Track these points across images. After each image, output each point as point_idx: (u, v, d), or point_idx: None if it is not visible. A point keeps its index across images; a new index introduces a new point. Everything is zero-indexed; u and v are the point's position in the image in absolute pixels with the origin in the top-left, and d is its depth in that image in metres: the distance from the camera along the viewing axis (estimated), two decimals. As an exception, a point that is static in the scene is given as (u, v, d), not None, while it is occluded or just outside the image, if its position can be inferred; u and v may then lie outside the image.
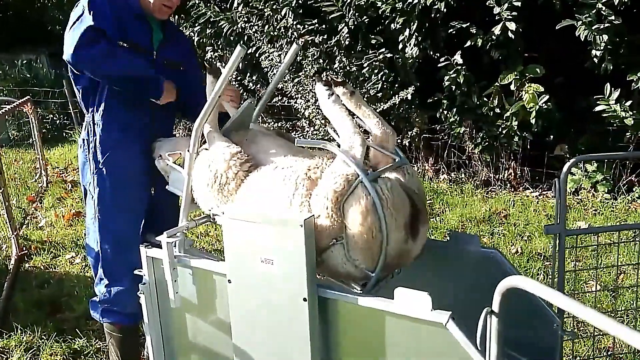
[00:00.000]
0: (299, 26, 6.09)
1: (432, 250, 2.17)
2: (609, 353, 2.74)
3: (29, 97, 6.88)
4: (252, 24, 6.32)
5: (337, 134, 1.99)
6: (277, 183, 1.97)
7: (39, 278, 3.91)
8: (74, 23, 2.18)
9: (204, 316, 2.23)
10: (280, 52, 6.30)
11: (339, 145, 1.94)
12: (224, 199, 2.12)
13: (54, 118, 9.60)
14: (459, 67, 5.50)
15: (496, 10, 5.09)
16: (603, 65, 5.10)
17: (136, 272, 2.36)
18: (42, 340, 3.12)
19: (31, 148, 7.35)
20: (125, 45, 2.31)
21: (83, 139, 2.49)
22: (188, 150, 2.21)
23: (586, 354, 2.68)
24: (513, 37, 5.15)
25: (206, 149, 2.24)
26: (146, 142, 2.47)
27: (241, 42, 6.51)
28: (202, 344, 2.28)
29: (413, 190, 1.97)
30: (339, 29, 5.95)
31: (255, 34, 6.28)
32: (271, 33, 6.26)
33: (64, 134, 9.24)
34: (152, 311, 2.34)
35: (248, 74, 6.64)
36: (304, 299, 1.84)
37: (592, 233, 2.39)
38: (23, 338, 3.13)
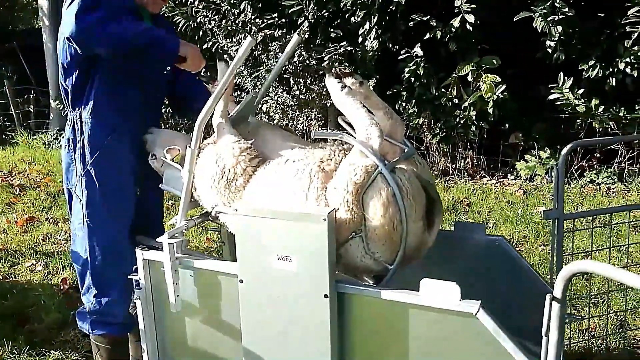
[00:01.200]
0: (257, 20, 5.98)
1: (437, 240, 2.17)
2: (592, 334, 2.85)
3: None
4: (210, 18, 6.15)
5: (350, 126, 1.94)
6: (290, 177, 1.91)
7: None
8: (71, 2, 2.02)
9: (206, 319, 2.14)
10: (238, 47, 6.17)
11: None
12: (231, 195, 2.03)
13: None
14: (419, 60, 5.57)
15: (457, 3, 5.18)
16: (556, 55, 5.31)
17: (130, 276, 2.24)
18: (14, 355, 2.90)
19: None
20: None
21: (68, 139, 2.32)
22: (189, 146, 2.11)
23: (568, 335, 2.77)
24: (471, 29, 5.27)
25: (211, 143, 2.14)
26: (134, 142, 2.34)
27: (196, 36, 6.33)
28: (203, 348, 2.19)
29: (427, 180, 1.96)
30: (298, 23, 5.89)
31: (214, 29, 6.11)
32: (229, 28, 6.12)
33: (4, 136, 8.69)
34: (149, 317, 2.22)
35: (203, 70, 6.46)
36: (325, 296, 1.79)
37: (588, 216, 2.45)
38: (-8, 354, 2.90)
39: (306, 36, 5.89)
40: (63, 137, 2.40)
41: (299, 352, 1.89)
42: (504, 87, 5.40)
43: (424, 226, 1.89)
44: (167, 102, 2.70)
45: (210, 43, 6.20)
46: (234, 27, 6.18)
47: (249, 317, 1.95)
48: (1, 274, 3.91)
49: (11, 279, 3.84)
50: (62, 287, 3.66)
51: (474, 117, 5.65)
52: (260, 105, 5.47)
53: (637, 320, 2.99)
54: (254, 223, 1.85)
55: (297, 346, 1.89)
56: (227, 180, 2.02)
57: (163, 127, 2.76)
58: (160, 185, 2.32)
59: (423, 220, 1.88)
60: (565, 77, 5.30)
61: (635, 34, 4.98)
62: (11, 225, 4.84)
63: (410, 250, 1.87)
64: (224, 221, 2.14)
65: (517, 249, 4.14)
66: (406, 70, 5.66)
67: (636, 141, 5.42)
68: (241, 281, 1.93)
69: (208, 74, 2.37)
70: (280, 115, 6.54)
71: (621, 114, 5.37)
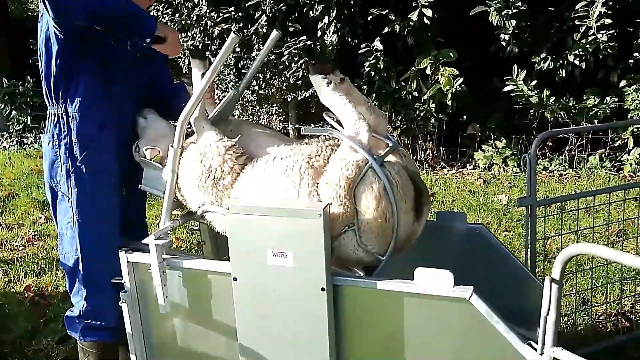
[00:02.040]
0: (213, 14, 5.90)
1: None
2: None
3: None
4: (162, 12, 6.01)
5: (337, 122, 1.96)
6: (279, 174, 1.91)
7: (-44, 300, 3.47)
8: None
9: (197, 319, 2.12)
10: (193, 41, 6.07)
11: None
12: (219, 194, 2.01)
13: None
14: (378, 54, 5.65)
15: (415, -4, 5.29)
16: (509, 48, 5.51)
17: (114, 280, 2.19)
18: (-17, 368, 2.78)
19: None
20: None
21: (53, 135, 2.21)
22: (172, 146, 2.07)
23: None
24: (429, 23, 5.38)
25: (193, 143, 2.11)
26: (121, 139, 2.27)
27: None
28: (193, 349, 2.17)
29: (413, 171, 2.00)
30: (256, 17, 5.85)
31: (167, 24, 5.98)
32: (183, 22, 6.00)
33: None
34: (135, 320, 2.18)
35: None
36: (322, 289, 1.82)
37: (559, 202, 2.57)
38: (-41, 369, 2.77)
39: (264, 30, 5.86)
40: (45, 133, 2.29)
41: (298, 345, 1.90)
42: (461, 79, 5.55)
43: (414, 216, 1.94)
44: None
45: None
46: (189, 22, 6.08)
47: (244, 314, 1.94)
48: (-43, 284, 3.73)
49: (-30, 289, 3.67)
50: (26, 295, 3.52)
51: (433, 109, 5.79)
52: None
53: (597, 297, 3.16)
54: (248, 220, 1.85)
55: (295, 340, 1.90)
56: (214, 179, 2.00)
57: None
58: (139, 186, 2.27)
59: (412, 210, 1.93)
60: (519, 70, 5.50)
61: (583, 28, 5.22)
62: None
63: (401, 240, 1.92)
64: (211, 220, 2.12)
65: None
66: (366, 64, 5.73)
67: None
68: (235, 279, 1.92)
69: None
70: (240, 111, 6.49)
71: (570, 104, 5.63)
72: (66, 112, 2.20)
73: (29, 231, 4.60)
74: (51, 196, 2.29)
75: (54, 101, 2.22)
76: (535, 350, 1.52)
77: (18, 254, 4.20)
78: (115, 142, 2.26)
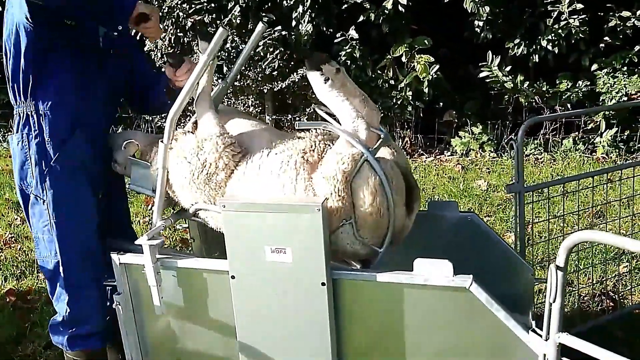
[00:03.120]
0: (185, 5, 5.78)
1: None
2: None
3: None
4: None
5: (334, 118, 1.95)
6: (275, 170, 1.89)
7: None
8: None
9: (194, 319, 2.10)
10: (164, 34, 5.95)
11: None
12: (212, 191, 1.98)
13: None
14: (354, 42, 5.64)
15: (389, -15, 5.28)
16: (483, 34, 5.56)
17: (106, 283, 2.14)
18: (-31, 377, 2.71)
19: None
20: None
21: (22, 135, 2.13)
22: (161, 141, 2.03)
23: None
24: (403, 10, 5.39)
25: (183, 134, 2.07)
26: (96, 136, 2.22)
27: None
28: (191, 349, 2.14)
29: (405, 167, 2.01)
30: (229, 8, 5.76)
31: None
32: (154, 14, 5.86)
33: None
34: (130, 323, 2.15)
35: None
36: (322, 284, 1.81)
37: (545, 187, 2.62)
38: (-57, 378, 2.69)
39: (238, 21, 5.78)
40: (13, 133, 2.19)
41: (299, 340, 1.90)
42: (437, 67, 5.58)
43: (405, 211, 1.95)
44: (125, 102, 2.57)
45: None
46: (160, 14, 5.95)
47: (243, 312, 1.93)
48: None
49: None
50: (8, 300, 3.42)
51: (409, 97, 5.82)
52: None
53: (581, 279, 3.24)
54: (244, 218, 1.83)
55: (296, 335, 1.90)
56: (208, 174, 1.97)
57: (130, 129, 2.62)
58: (128, 186, 2.23)
59: (404, 205, 1.94)
60: (494, 56, 5.56)
61: (555, 13, 5.30)
62: None
63: (395, 234, 1.93)
64: (205, 217, 2.09)
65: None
66: (342, 53, 5.72)
67: (558, 113, 5.79)
68: (233, 277, 1.90)
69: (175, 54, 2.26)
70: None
71: (544, 89, 5.72)
72: (37, 109, 2.12)
73: (5, 233, 4.46)
74: (22, 199, 2.21)
75: (23, 98, 2.13)
76: (540, 336, 1.54)
77: (-5, 258, 4.09)
78: (90, 140, 2.20)
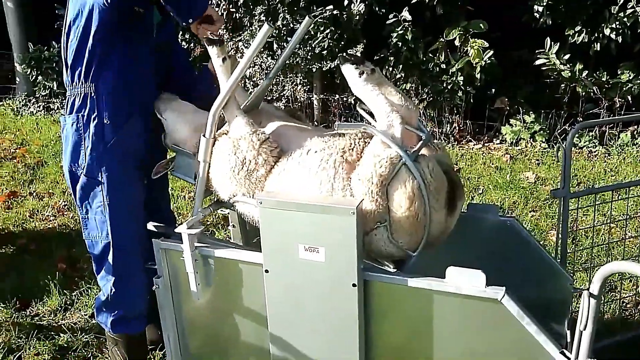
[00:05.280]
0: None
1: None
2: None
3: None
4: None
5: (369, 114, 1.94)
6: (314, 168, 1.91)
7: (-7, 270, 3.58)
8: None
9: (228, 306, 2.16)
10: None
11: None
12: (252, 185, 2.02)
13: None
14: (407, 24, 5.51)
15: (445, -35, 5.11)
16: (542, 19, 5.33)
17: (148, 265, 2.23)
18: (21, 340, 2.89)
19: None
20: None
21: (79, 116, 2.18)
22: (204, 136, 2.07)
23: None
24: (459, -8, 5.22)
25: (225, 133, 2.10)
26: (147, 123, 2.28)
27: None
28: (225, 334, 2.22)
29: (448, 164, 1.98)
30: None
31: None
32: None
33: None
34: (168, 306, 2.23)
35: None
36: (353, 285, 1.83)
37: (592, 194, 2.53)
38: (-1, 339, 2.88)
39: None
40: (67, 114, 2.23)
41: (327, 338, 1.94)
42: (491, 52, 5.40)
43: (446, 213, 1.92)
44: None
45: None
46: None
47: (275, 305, 1.98)
48: (-7, 254, 3.84)
49: (3, 259, 3.77)
50: (58, 267, 3.61)
51: (461, 82, 5.67)
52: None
53: (625, 284, 3.13)
54: (280, 215, 1.85)
55: (324, 333, 1.93)
56: (248, 171, 2.00)
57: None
58: (172, 172, 2.29)
59: (445, 207, 1.91)
60: (552, 43, 5.33)
61: (622, 0, 5.01)
62: (-7, 201, 4.72)
63: (433, 237, 1.91)
64: (243, 210, 2.13)
65: (509, 215, 4.25)
66: (394, 34, 5.60)
67: (617, 105, 5.53)
68: (267, 271, 1.94)
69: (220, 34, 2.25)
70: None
71: (604, 79, 5.46)
72: (97, 91, 2.15)
73: (59, 201, 4.68)
74: (70, 179, 2.26)
75: (83, 79, 2.16)
76: (569, 359, 1.52)
77: (49, 224, 4.30)
78: (143, 127, 2.26)
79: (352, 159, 1.90)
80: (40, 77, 7.48)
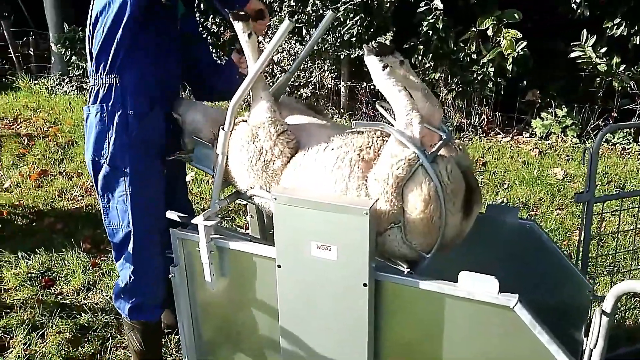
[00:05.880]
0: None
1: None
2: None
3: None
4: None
5: (387, 110, 1.91)
6: (330, 165, 1.89)
7: (20, 248, 3.69)
8: None
9: (241, 297, 2.18)
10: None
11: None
12: (269, 178, 2.02)
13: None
14: (438, 13, 5.41)
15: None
16: (580, 11, 5.16)
17: (167, 253, 2.26)
18: (45, 317, 2.98)
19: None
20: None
21: (103, 106, 2.20)
22: (222, 128, 2.08)
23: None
24: (493, -20, 5.08)
25: (244, 121, 2.10)
26: (169, 114, 2.30)
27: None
28: (238, 323, 2.25)
29: (467, 166, 1.94)
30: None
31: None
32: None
33: (5, 80, 8.49)
34: (184, 294, 2.27)
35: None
36: (364, 284, 1.82)
37: (617, 199, 2.46)
38: (24, 316, 2.98)
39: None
40: (91, 104, 2.24)
41: (337, 335, 1.94)
42: (524, 43, 5.26)
43: (462, 216, 1.89)
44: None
45: None
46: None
47: (286, 300, 1.99)
48: (22, 231, 3.95)
49: (31, 237, 3.89)
50: (83, 247, 3.70)
51: (491, 73, 5.55)
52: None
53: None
54: (294, 211, 1.85)
55: (334, 330, 1.94)
56: (265, 161, 2.00)
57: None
58: (191, 163, 2.31)
59: (462, 210, 1.88)
60: (589, 35, 5.16)
61: (665, -9, 4.81)
62: (24, 179, 4.85)
63: (447, 240, 1.89)
64: (260, 202, 2.14)
65: (533, 212, 4.18)
66: (424, 23, 5.51)
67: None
68: (279, 266, 1.95)
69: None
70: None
71: (642, 74, 5.27)
72: (122, 82, 2.17)
73: (87, 181, 4.78)
74: (93, 169, 2.29)
75: (109, 69, 2.17)
76: (578, 373, 1.49)
77: (77, 204, 4.41)
78: (164, 118, 2.28)
79: (370, 157, 1.88)
80: (74, 57, 7.61)
